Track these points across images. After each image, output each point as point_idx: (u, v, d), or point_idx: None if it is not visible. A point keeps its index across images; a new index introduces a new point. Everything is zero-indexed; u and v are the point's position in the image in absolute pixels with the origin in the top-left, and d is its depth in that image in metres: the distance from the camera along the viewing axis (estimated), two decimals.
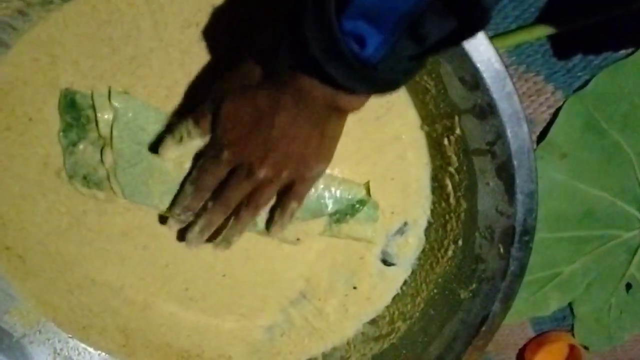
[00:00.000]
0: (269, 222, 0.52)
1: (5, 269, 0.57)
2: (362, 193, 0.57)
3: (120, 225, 0.57)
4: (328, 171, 0.51)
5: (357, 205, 0.57)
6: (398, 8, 0.32)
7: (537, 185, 0.52)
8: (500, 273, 0.56)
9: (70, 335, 0.62)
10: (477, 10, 0.32)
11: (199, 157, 0.49)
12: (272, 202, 0.50)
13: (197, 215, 0.50)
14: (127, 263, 0.59)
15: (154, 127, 0.52)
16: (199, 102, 0.47)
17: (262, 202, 0.46)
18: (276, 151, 0.43)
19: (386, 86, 0.37)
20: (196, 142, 0.47)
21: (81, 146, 0.52)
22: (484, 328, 0.58)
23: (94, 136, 0.52)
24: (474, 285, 0.58)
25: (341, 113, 0.43)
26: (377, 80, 0.36)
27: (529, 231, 0.53)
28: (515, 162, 0.50)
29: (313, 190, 0.54)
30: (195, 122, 0.46)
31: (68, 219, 0.56)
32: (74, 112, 0.51)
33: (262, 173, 0.44)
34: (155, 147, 0.51)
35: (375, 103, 0.55)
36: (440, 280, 0.61)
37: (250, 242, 0.59)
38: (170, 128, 0.50)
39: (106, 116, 0.50)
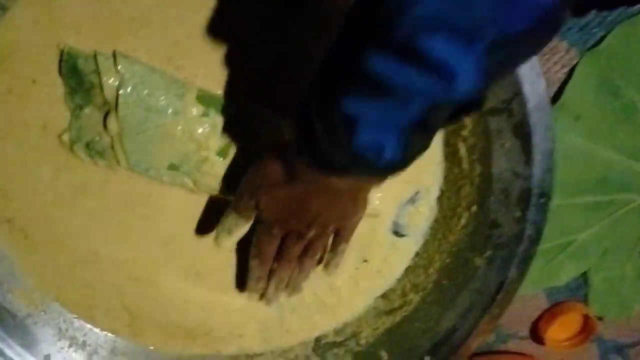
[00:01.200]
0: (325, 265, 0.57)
1: (7, 242, 0.56)
2: None
3: (121, 194, 0.56)
4: None
5: None
6: (408, 116, 0.33)
7: (554, 143, 0.51)
8: (517, 238, 0.55)
9: (75, 315, 0.60)
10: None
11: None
12: None
13: (268, 279, 0.55)
14: (129, 236, 0.57)
15: (160, 93, 0.51)
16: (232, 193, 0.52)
17: (318, 250, 0.53)
18: (319, 218, 0.49)
19: (403, 169, 0.39)
20: (244, 227, 0.52)
21: (87, 110, 0.51)
22: (500, 295, 0.57)
23: (99, 101, 0.50)
24: (489, 252, 0.57)
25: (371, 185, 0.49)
26: (397, 171, 0.38)
27: (546, 192, 0.52)
28: (532, 120, 0.49)
29: None
30: (238, 214, 0.51)
31: (71, 188, 0.54)
32: (77, 77, 0.50)
33: (310, 234, 0.50)
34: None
35: None
36: (453, 249, 0.60)
37: None
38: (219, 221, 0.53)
39: (111, 80, 0.49)
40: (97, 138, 0.51)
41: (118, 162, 0.53)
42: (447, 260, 0.61)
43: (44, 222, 0.56)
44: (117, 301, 0.60)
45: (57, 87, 0.51)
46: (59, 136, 0.52)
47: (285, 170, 0.46)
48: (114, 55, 0.50)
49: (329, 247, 0.55)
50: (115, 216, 0.57)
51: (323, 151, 0.38)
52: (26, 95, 0.50)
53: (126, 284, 0.60)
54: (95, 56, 0.50)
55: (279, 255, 0.53)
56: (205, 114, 0.53)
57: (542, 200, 0.53)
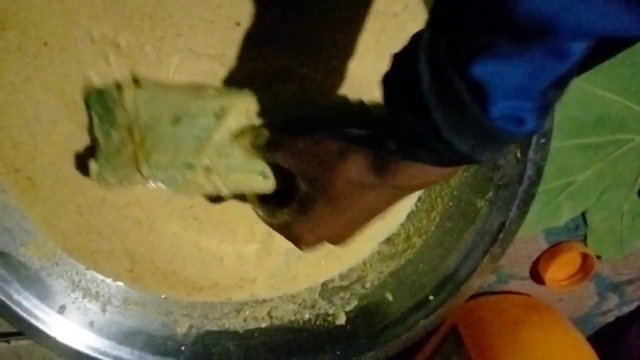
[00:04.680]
0: None
1: (13, 192, 0.56)
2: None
3: None
4: None
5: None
6: (548, 76, 0.29)
7: None
8: (517, 178, 0.56)
9: (78, 261, 0.61)
10: None
11: None
12: None
13: None
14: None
15: (177, 98, 0.51)
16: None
17: None
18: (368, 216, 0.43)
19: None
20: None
21: (113, 133, 0.51)
22: (501, 235, 0.58)
23: (122, 119, 0.50)
24: (490, 194, 0.58)
25: None
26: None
27: (546, 133, 0.53)
28: None
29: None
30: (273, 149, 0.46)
31: (86, 139, 0.54)
32: (102, 101, 0.50)
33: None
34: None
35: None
36: (455, 192, 0.61)
37: None
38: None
39: (131, 94, 0.50)
40: (123, 158, 0.52)
41: (139, 169, 0.52)
42: (450, 204, 0.62)
43: (52, 170, 0.56)
44: (119, 245, 0.61)
45: (73, 54, 0.50)
46: (75, 100, 0.52)
47: (368, 168, 0.38)
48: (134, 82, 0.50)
49: None
50: None
51: (445, 140, 0.31)
52: (39, 55, 0.50)
53: (129, 228, 0.60)
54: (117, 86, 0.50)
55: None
56: (222, 111, 0.52)
57: (542, 140, 0.53)
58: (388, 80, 0.35)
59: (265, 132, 0.49)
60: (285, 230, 0.46)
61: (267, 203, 0.52)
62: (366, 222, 0.43)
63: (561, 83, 0.30)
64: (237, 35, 0.52)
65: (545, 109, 0.31)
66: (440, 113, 0.30)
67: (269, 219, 0.51)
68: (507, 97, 0.29)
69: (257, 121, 0.51)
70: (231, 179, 0.53)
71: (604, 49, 0.29)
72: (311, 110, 0.55)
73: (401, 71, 0.33)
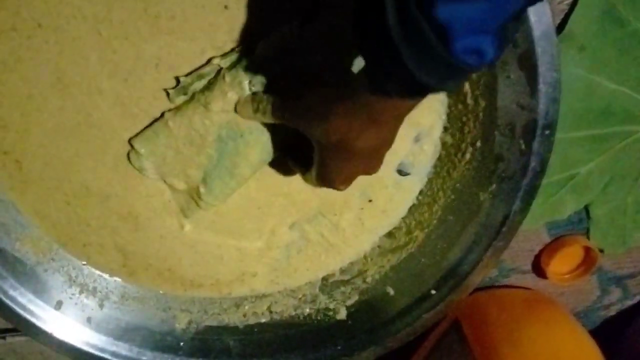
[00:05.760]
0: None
1: (1, 174, 0.55)
2: None
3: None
4: None
5: None
6: (506, 12, 0.32)
7: (560, 74, 0.50)
8: (521, 170, 0.55)
9: (72, 254, 0.61)
10: None
11: None
12: None
13: None
14: (118, 169, 0.57)
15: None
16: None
17: None
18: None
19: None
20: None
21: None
22: (504, 228, 0.58)
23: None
24: (493, 186, 0.57)
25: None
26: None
27: (551, 124, 0.52)
28: (538, 50, 0.48)
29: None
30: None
31: (76, 116, 0.53)
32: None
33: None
34: None
35: None
36: (458, 185, 0.60)
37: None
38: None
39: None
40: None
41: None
42: (452, 197, 0.61)
43: (41, 153, 0.55)
44: (109, 240, 0.60)
45: (67, 34, 0.49)
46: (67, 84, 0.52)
47: (348, 102, 0.43)
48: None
49: None
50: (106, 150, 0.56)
51: (412, 73, 0.34)
52: (33, 36, 0.49)
53: (116, 223, 0.59)
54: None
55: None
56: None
57: (547, 131, 0.53)
58: (357, 20, 0.37)
59: (266, 98, 0.50)
60: (319, 180, 0.50)
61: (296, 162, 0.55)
62: (384, 147, 0.46)
63: (518, 16, 0.33)
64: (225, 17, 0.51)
65: (504, 39, 0.33)
66: (406, 48, 0.33)
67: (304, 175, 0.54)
68: (468, 34, 0.32)
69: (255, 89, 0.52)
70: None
71: None
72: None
73: (369, 12, 0.36)
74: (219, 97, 0.51)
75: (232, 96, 0.51)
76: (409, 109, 0.42)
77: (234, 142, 0.53)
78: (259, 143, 0.54)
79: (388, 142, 0.46)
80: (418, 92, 0.37)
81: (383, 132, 0.44)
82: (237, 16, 0.51)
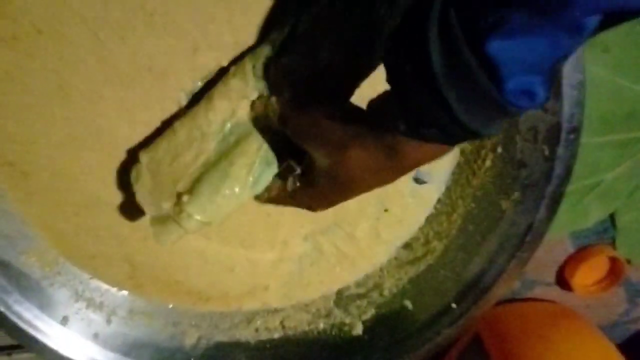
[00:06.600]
0: None
1: (7, 186, 0.54)
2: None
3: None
4: None
5: None
6: (561, 51, 0.30)
7: (584, 76, 0.48)
8: (545, 177, 0.53)
9: (78, 266, 0.59)
10: None
11: None
12: None
13: None
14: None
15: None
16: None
17: None
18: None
19: None
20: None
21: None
22: (528, 238, 0.55)
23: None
24: (516, 194, 0.55)
25: None
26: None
27: (575, 128, 0.50)
28: None
29: None
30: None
31: (81, 124, 0.52)
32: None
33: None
34: None
35: None
36: (478, 193, 0.58)
37: None
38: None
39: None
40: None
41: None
42: (472, 205, 0.59)
43: (48, 163, 0.54)
44: (118, 250, 0.59)
45: (68, 43, 0.48)
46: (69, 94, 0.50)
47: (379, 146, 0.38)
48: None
49: None
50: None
51: (457, 117, 0.31)
52: (34, 44, 0.48)
53: (127, 232, 0.58)
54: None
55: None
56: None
57: (572, 136, 0.50)
58: (392, 57, 0.34)
59: (274, 102, 0.47)
60: (293, 200, 0.48)
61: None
62: (386, 184, 0.42)
63: (569, 55, 0.31)
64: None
65: (553, 80, 0.31)
66: (452, 91, 0.30)
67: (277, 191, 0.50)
68: (521, 73, 0.29)
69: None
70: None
71: (609, 20, 0.29)
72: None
73: (408, 48, 0.32)
74: (224, 97, 0.49)
75: (237, 96, 0.49)
76: (442, 155, 0.37)
77: (236, 139, 0.50)
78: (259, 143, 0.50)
79: (392, 182, 0.41)
80: (462, 137, 0.33)
81: (397, 175, 0.40)
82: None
